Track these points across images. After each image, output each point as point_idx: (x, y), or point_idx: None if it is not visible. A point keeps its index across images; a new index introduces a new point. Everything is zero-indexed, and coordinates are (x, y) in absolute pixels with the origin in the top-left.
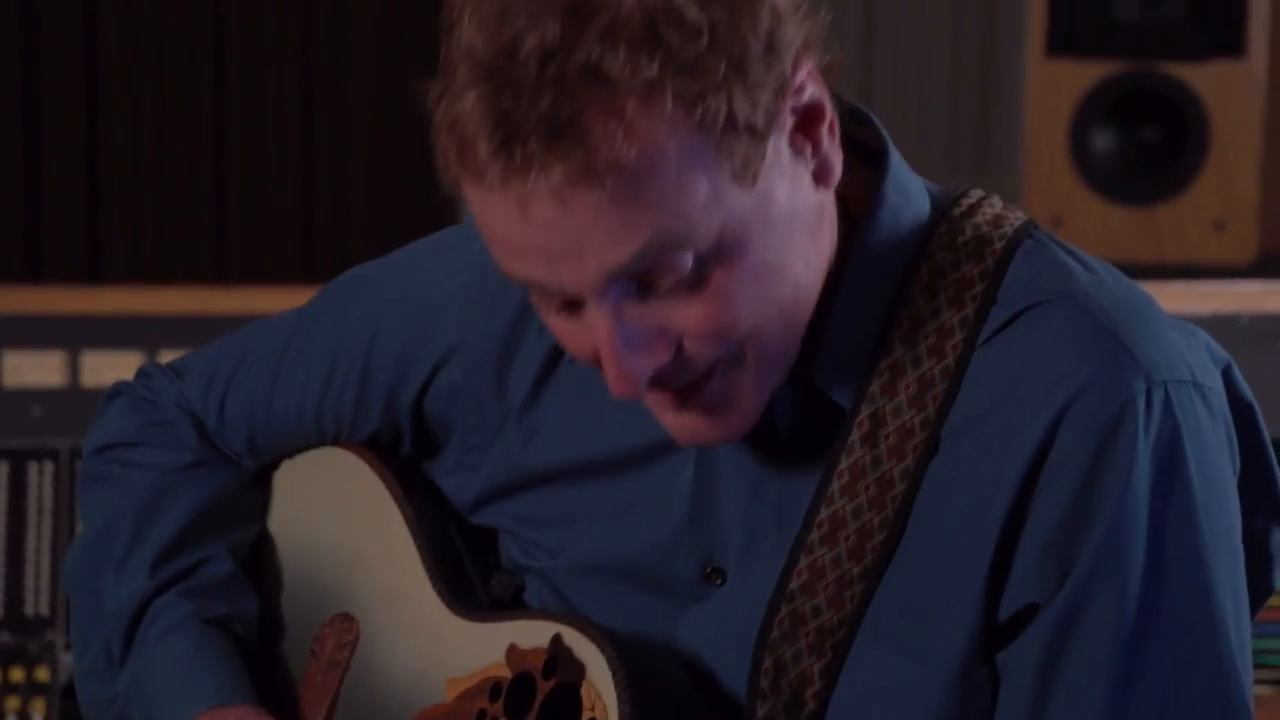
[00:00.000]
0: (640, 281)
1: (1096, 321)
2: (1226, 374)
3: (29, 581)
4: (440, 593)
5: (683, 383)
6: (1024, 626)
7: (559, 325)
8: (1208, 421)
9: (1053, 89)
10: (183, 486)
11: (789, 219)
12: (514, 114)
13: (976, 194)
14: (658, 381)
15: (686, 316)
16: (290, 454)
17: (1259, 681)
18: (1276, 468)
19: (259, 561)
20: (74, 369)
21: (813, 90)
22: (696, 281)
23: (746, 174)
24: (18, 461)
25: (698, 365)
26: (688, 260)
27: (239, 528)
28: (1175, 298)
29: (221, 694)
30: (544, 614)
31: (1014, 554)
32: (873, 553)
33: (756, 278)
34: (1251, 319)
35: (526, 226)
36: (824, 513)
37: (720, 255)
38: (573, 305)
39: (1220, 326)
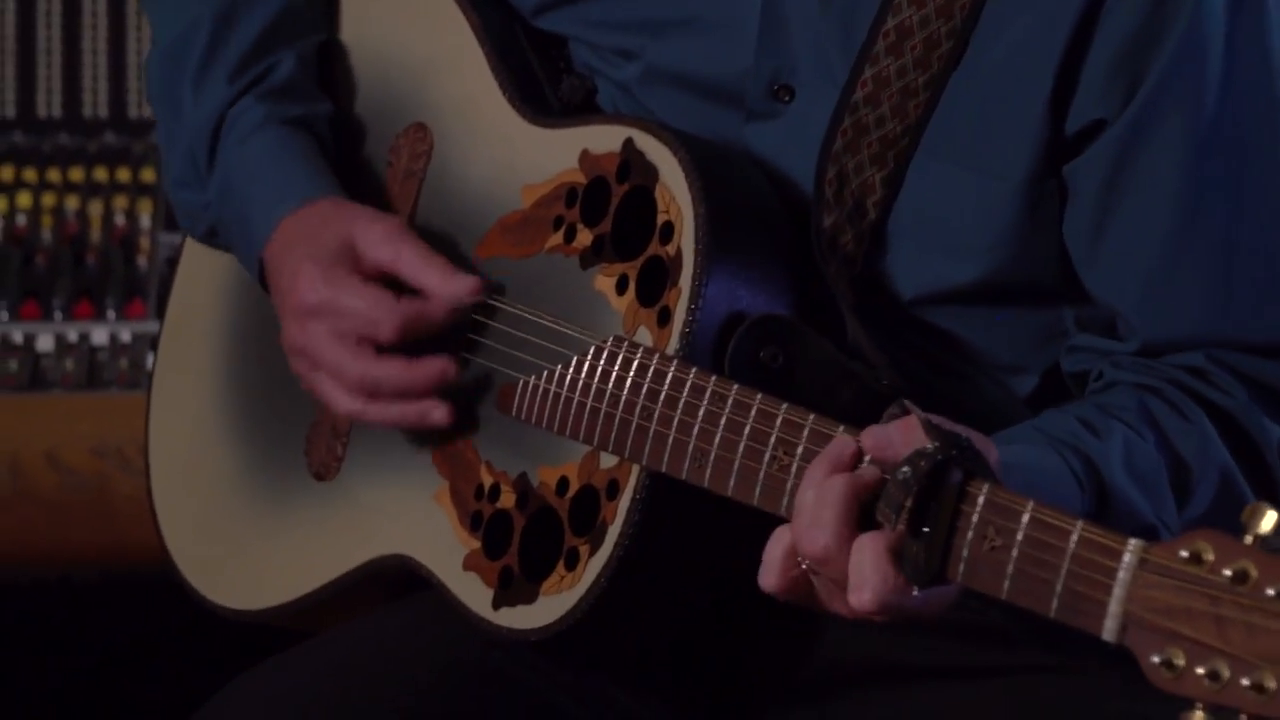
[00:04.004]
0: None
1: None
2: None
3: (131, 84)
4: (511, 100)
5: None
6: (1091, 141)
7: None
8: None
9: None
10: None
11: None
12: None
13: None
14: None
15: None
16: None
17: None
18: None
19: (330, 69)
20: None
21: None
22: None
23: None
24: None
25: None
26: None
27: (308, 34)
28: None
29: (311, 187)
30: (615, 118)
31: (1081, 68)
32: (939, 62)
33: None
34: None
35: None
36: (890, 22)
37: None
38: None
39: None
